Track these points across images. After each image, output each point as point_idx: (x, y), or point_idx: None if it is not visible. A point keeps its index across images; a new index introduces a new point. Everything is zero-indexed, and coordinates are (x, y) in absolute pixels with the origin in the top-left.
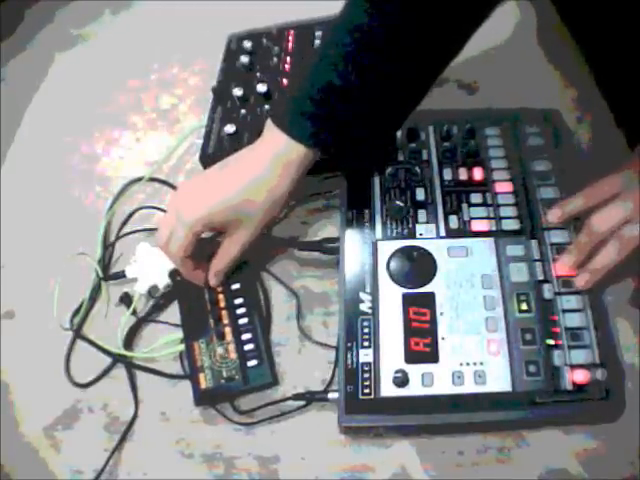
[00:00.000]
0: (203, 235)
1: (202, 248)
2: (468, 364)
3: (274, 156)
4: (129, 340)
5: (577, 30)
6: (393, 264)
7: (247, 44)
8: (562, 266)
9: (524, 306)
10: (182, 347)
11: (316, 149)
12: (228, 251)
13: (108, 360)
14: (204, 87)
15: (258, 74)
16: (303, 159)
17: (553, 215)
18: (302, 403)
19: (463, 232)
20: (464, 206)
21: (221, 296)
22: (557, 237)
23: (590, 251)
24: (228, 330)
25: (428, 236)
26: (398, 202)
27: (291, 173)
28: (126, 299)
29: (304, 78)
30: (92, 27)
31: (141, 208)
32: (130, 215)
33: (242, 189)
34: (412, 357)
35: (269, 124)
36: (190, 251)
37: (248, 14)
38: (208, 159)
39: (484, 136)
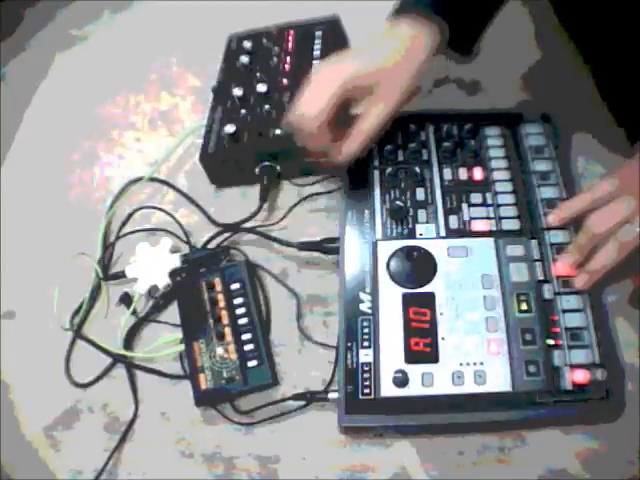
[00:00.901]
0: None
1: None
2: (468, 364)
3: (403, 37)
4: (129, 340)
5: (575, 30)
6: (393, 264)
7: (247, 44)
8: (562, 266)
9: (524, 306)
10: (182, 347)
11: (437, 18)
12: (368, 121)
13: (108, 360)
14: (204, 87)
15: (258, 74)
16: (428, 36)
17: (554, 217)
18: (302, 403)
19: (463, 232)
20: (464, 206)
21: (221, 296)
22: (557, 237)
23: (589, 251)
24: (228, 330)
25: (428, 236)
26: (398, 202)
27: (419, 52)
28: (126, 299)
29: None
30: (92, 27)
31: (141, 208)
32: (130, 215)
33: (380, 58)
34: (412, 357)
35: (388, 23)
36: (329, 117)
37: (248, 14)
38: (208, 159)
39: (484, 136)
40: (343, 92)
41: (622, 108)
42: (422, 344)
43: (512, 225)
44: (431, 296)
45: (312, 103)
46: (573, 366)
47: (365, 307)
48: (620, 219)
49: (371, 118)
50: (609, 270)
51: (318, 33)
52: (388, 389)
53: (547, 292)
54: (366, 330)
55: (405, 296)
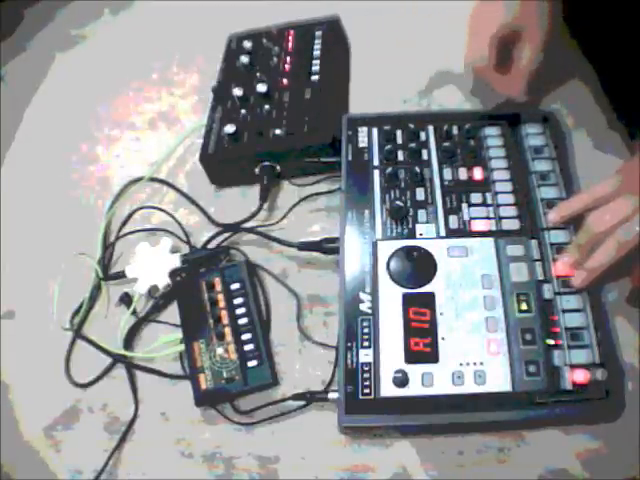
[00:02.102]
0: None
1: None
2: (468, 364)
3: None
4: (129, 340)
5: (576, 29)
6: (393, 264)
7: (247, 44)
8: (561, 266)
9: (524, 306)
10: (182, 347)
11: None
12: (526, 53)
13: (108, 360)
14: (204, 87)
15: (258, 74)
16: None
17: (554, 215)
18: (302, 403)
19: (463, 232)
20: (464, 206)
21: (221, 296)
22: (557, 237)
23: (588, 250)
24: (228, 330)
25: (428, 236)
26: (398, 202)
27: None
28: (126, 299)
29: None
30: (92, 27)
31: (141, 208)
32: (130, 215)
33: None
34: (412, 357)
35: None
36: (496, 56)
37: (248, 14)
38: (208, 159)
39: (484, 136)
40: (500, 37)
41: (625, 105)
42: (422, 344)
43: (512, 225)
44: (431, 296)
45: (476, 52)
46: (573, 366)
47: (365, 307)
48: (620, 218)
49: (523, 60)
50: (607, 268)
51: (318, 33)
52: (388, 389)
53: (547, 292)
54: (366, 330)
55: (405, 296)
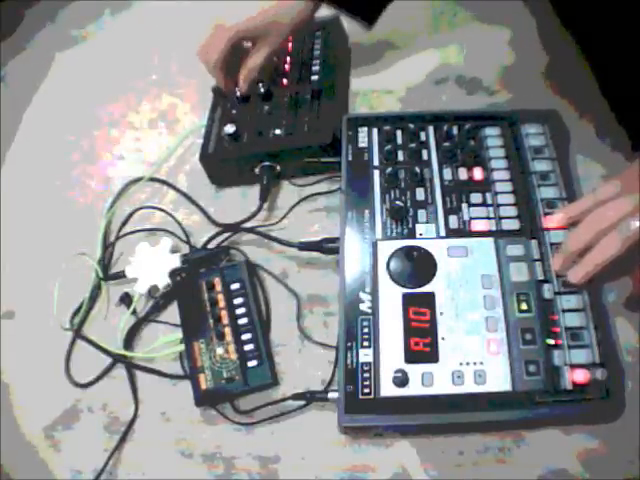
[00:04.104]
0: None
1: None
2: (468, 364)
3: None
4: (129, 340)
5: (576, 30)
6: (393, 264)
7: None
8: (557, 262)
9: (524, 306)
10: (182, 347)
11: None
12: (258, 52)
13: (108, 360)
14: (204, 87)
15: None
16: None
17: (562, 216)
18: (302, 403)
19: (463, 232)
20: (464, 206)
21: (221, 296)
22: (557, 237)
23: (585, 246)
24: (228, 330)
25: (428, 236)
26: (398, 202)
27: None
28: (126, 299)
29: None
30: (92, 27)
31: (141, 208)
32: (130, 215)
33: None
34: (412, 357)
35: None
36: (226, 57)
37: (248, 14)
38: (208, 159)
39: (484, 136)
40: (231, 38)
41: (625, 109)
42: (422, 344)
43: (512, 225)
44: (431, 296)
45: (207, 48)
46: (573, 366)
47: (365, 307)
48: (622, 215)
49: (255, 57)
50: (607, 265)
51: (318, 33)
52: (388, 389)
53: (547, 292)
54: (366, 330)
55: (405, 296)
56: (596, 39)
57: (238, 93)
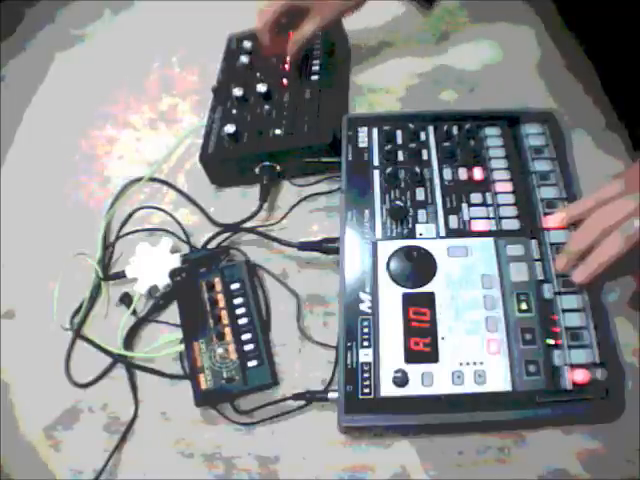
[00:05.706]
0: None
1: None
2: (468, 364)
3: None
4: (129, 340)
5: (578, 29)
6: (393, 264)
7: (247, 44)
8: (559, 264)
9: (524, 306)
10: (182, 347)
11: None
12: (314, 19)
13: (108, 360)
14: (204, 87)
15: (258, 74)
16: None
17: (564, 215)
18: (302, 403)
19: (463, 232)
20: (464, 206)
21: (220, 296)
22: (557, 237)
23: (589, 246)
24: (228, 330)
25: (428, 236)
26: (398, 202)
27: None
28: (126, 299)
29: None
30: (92, 27)
31: (141, 208)
32: (130, 215)
33: None
34: (412, 357)
35: None
36: (278, 19)
37: (248, 14)
38: (208, 159)
39: (484, 136)
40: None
41: (626, 105)
42: (422, 344)
43: (512, 225)
44: (431, 296)
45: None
46: (573, 366)
47: (365, 307)
48: (624, 214)
49: (309, 25)
50: (609, 264)
51: (318, 33)
52: (388, 389)
53: (547, 292)
54: (366, 330)
55: (405, 296)
56: (600, 38)
57: (239, 93)
